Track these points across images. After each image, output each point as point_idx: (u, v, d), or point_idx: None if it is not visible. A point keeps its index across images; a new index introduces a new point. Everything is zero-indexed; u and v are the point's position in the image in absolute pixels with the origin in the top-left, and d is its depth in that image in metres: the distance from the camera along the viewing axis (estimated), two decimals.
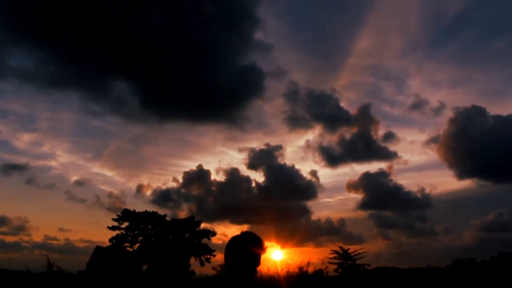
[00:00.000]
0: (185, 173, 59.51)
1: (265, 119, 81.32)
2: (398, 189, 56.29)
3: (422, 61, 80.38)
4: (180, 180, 64.30)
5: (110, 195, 75.01)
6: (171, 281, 34.70)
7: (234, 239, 2.70)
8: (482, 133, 53.17)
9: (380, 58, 79.95)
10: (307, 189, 57.25)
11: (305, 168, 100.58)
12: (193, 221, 41.20)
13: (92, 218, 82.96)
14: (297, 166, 71.88)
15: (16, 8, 49.10)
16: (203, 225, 41.47)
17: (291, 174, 55.97)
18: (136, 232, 39.48)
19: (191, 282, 35.09)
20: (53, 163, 73.49)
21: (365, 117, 61.55)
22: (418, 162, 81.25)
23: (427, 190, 67.07)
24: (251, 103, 74.80)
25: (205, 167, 64.81)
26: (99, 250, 34.39)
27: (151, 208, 60.59)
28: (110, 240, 38.67)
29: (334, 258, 19.26)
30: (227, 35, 56.97)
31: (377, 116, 78.74)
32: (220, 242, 42.02)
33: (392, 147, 79.91)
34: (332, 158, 62.07)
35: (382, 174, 56.96)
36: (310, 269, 18.04)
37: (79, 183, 67.87)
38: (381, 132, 79.54)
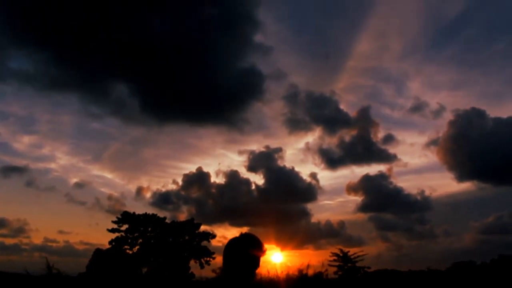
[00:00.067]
0: (185, 175, 59.44)
1: (265, 122, 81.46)
2: (398, 191, 56.21)
3: (421, 64, 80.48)
4: (180, 183, 64.29)
5: (110, 197, 74.68)
6: (170, 283, 34.64)
7: (233, 241, 2.67)
8: (482, 135, 53.19)
9: (379, 60, 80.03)
10: (307, 191, 57.17)
11: (305, 171, 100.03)
12: (192, 224, 41.16)
13: (91, 221, 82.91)
14: (297, 169, 72.04)
15: (15, 10, 49.18)
16: (202, 228, 41.47)
17: (291, 176, 55.92)
18: (135, 234, 39.43)
19: (190, 284, 35.06)
20: (52, 165, 73.31)
21: (364, 119, 61.51)
22: (418, 165, 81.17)
23: (427, 193, 66.74)
24: (251, 106, 74.72)
25: (205, 169, 65.07)
26: (98, 252, 34.34)
27: (150, 210, 60.38)
28: (110, 242, 38.63)
29: (334, 260, 19.29)
30: (227, 37, 57.12)
31: (376, 118, 78.45)
32: (220, 244, 41.96)
33: (391, 150, 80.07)
34: (332, 161, 62.02)
35: (382, 176, 56.88)
36: (310, 272, 18.04)
37: (78, 185, 67.63)
38: (380, 134, 78.90)
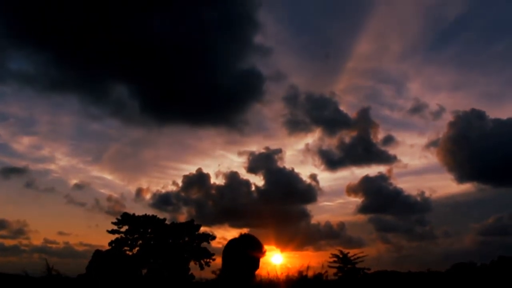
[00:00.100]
0: (185, 176, 59.26)
1: (264, 123, 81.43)
2: (397, 192, 56.21)
3: (421, 65, 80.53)
4: (180, 184, 64.09)
5: (109, 198, 74.64)
6: (170, 285, 34.62)
7: (233, 242, 2.64)
8: (482, 136, 53.20)
9: (379, 61, 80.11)
10: (307, 192, 57.15)
11: (304, 172, 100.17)
12: (192, 225, 41.15)
13: (91, 222, 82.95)
14: (296, 170, 71.58)
15: (15, 12, 49.25)
16: (202, 229, 41.48)
17: (290, 177, 55.90)
18: (135, 235, 39.41)
19: (190, 286, 35.03)
20: (52, 166, 73.41)
21: (364, 120, 61.50)
22: (418, 166, 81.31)
23: (427, 194, 66.96)
24: (251, 107, 74.66)
25: (205, 170, 64.70)
26: (98, 253, 34.36)
27: (150, 211, 60.31)
28: (110, 243, 38.60)
29: (334, 262, 19.26)
30: (227, 38, 57.11)
31: (376, 119, 78.31)
32: (220, 246, 41.93)
33: (391, 151, 79.91)
34: (331, 162, 62.00)
35: (381, 177, 56.84)
36: (310, 273, 18.03)
37: (78, 186, 67.64)
38: (380, 135, 79.39)
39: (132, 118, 65.20)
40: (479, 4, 74.76)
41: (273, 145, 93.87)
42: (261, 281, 16.40)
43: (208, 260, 39.90)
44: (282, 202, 58.96)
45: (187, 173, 76.39)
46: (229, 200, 53.57)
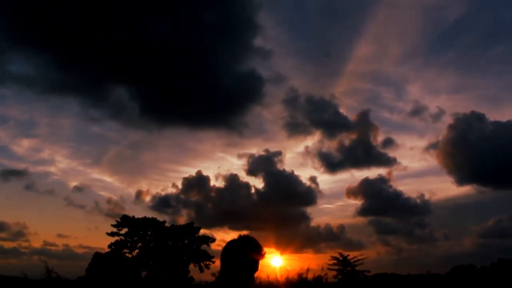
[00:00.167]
0: (185, 179, 59.11)
1: (264, 125, 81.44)
2: (397, 195, 56.11)
3: (421, 67, 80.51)
4: (180, 186, 64.10)
5: (109, 201, 74.90)
6: (170, 287, 34.61)
7: (232, 243, 2.58)
8: (482, 139, 53.22)
9: (379, 64, 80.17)
10: (307, 195, 57.04)
11: (304, 174, 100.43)
12: (192, 227, 41.13)
13: (91, 224, 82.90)
14: (296, 172, 71.59)
15: (15, 14, 49.32)
16: (202, 231, 41.44)
17: (290, 180, 55.82)
18: (135, 238, 39.37)
19: None
20: (52, 169, 73.30)
21: (364, 123, 61.50)
22: (418, 168, 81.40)
23: (427, 196, 66.39)
24: (251, 109, 74.98)
25: (205, 173, 64.74)
26: (98, 256, 34.34)
27: (150, 214, 60.71)
28: (109, 246, 38.55)
29: (334, 264, 19.29)
30: (227, 41, 57.24)
31: (376, 122, 78.60)
32: (219, 248, 41.63)
33: (391, 153, 79.64)
34: (331, 164, 61.95)
35: (381, 180, 56.74)
36: (310, 276, 18.05)
37: (78, 189, 67.69)
38: (380, 138, 79.33)
39: (132, 120, 65.31)
40: (478, 7, 74.79)
41: (273, 147, 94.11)
42: (260, 284, 16.42)
43: (207, 262, 39.88)
44: (282, 204, 58.96)
45: (187, 175, 76.60)
46: (228, 203, 53.55)
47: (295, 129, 68.25)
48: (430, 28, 76.66)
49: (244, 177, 71.88)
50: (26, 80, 57.97)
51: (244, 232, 2.65)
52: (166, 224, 41.11)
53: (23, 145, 74.24)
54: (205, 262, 39.86)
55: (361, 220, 66.91)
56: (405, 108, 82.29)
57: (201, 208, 53.45)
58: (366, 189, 57.05)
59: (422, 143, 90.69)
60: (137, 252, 38.76)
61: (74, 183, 76.97)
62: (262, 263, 2.63)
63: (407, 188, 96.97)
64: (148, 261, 38.02)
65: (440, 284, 27.65)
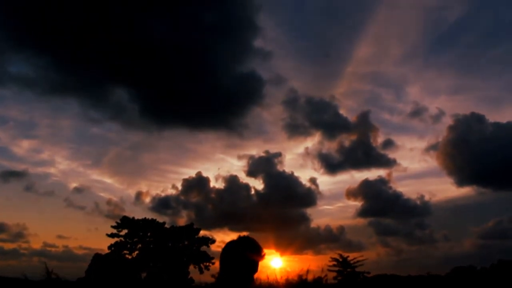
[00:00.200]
0: (184, 180, 59.22)
1: (264, 127, 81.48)
2: (397, 196, 56.14)
3: (421, 69, 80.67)
4: (179, 187, 64.23)
5: (109, 202, 74.60)
6: None
7: (231, 244, 2.56)
8: (481, 140, 53.26)
9: (379, 65, 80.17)
10: (306, 196, 57.09)
11: (304, 176, 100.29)
12: (192, 229, 41.12)
13: (91, 225, 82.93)
14: (296, 174, 71.53)
15: (15, 15, 49.36)
16: (202, 233, 41.44)
17: (290, 181, 55.84)
18: (135, 239, 39.37)
19: None
20: (52, 170, 73.25)
21: (364, 124, 61.53)
22: (418, 170, 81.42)
23: (427, 198, 66.61)
24: (251, 111, 74.89)
25: (204, 174, 64.89)
26: (98, 257, 34.31)
27: (150, 215, 60.73)
28: (109, 247, 38.54)
29: (334, 265, 19.27)
30: (227, 42, 57.31)
31: (376, 123, 78.52)
32: (219, 249, 41.50)
33: (391, 155, 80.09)
34: (331, 166, 61.97)
35: (381, 181, 56.80)
36: (310, 277, 18.04)
37: (78, 190, 67.57)
38: (380, 139, 79.41)
39: (131, 121, 65.33)
40: (478, 8, 74.87)
41: (273, 148, 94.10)
42: (260, 285, 16.41)
43: (207, 263, 39.87)
44: (281, 205, 58.99)
45: (186, 176, 76.52)
46: (228, 204, 53.57)
47: (295, 130, 68.27)
48: (430, 28, 76.88)
49: (244, 178, 71.80)
50: (26, 81, 58.09)
51: (244, 233, 2.65)
52: (166, 225, 41.15)
53: (23, 146, 74.33)
54: (205, 263, 39.85)
55: (361, 221, 66.82)
56: (405, 109, 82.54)
57: (201, 209, 53.53)
58: (366, 190, 57.14)
59: (422, 144, 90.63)
60: (137, 253, 38.76)
61: (74, 184, 76.89)
62: (261, 264, 2.62)
63: (407, 189, 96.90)
64: (148, 262, 38.00)
65: (440, 285, 27.65)
